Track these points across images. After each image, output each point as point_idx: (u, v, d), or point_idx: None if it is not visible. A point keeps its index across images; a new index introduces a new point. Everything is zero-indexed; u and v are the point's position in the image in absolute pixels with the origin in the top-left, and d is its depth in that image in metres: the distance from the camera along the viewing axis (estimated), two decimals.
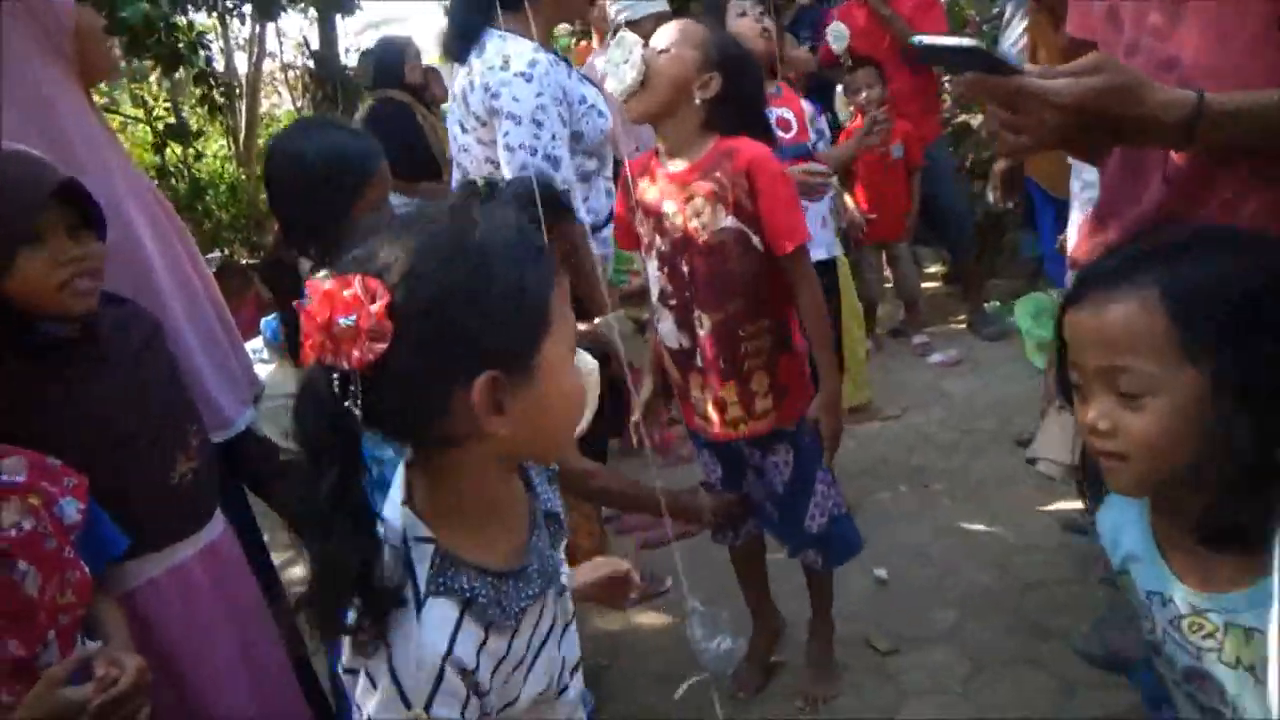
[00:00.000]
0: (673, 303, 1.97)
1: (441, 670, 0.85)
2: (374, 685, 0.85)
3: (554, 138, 2.12)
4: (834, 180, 3.18)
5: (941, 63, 1.16)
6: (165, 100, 7.99)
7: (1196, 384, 0.94)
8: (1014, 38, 3.36)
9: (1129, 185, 1.21)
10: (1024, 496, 2.99)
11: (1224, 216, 1.09)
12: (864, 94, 4.26)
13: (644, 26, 3.64)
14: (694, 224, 1.88)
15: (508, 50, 2.14)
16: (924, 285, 5.32)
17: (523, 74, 2.10)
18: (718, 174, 1.86)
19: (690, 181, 1.89)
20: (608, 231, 2.37)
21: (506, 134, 2.12)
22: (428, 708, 0.84)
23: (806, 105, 3.32)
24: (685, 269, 1.92)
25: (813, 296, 1.94)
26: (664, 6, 3.78)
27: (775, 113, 2.87)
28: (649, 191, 1.96)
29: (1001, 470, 3.20)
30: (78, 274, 1.33)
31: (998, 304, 4.74)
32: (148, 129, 6.48)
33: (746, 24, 2.85)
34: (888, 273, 4.73)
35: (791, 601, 2.42)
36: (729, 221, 1.86)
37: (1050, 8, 1.63)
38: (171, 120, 6.45)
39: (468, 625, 0.87)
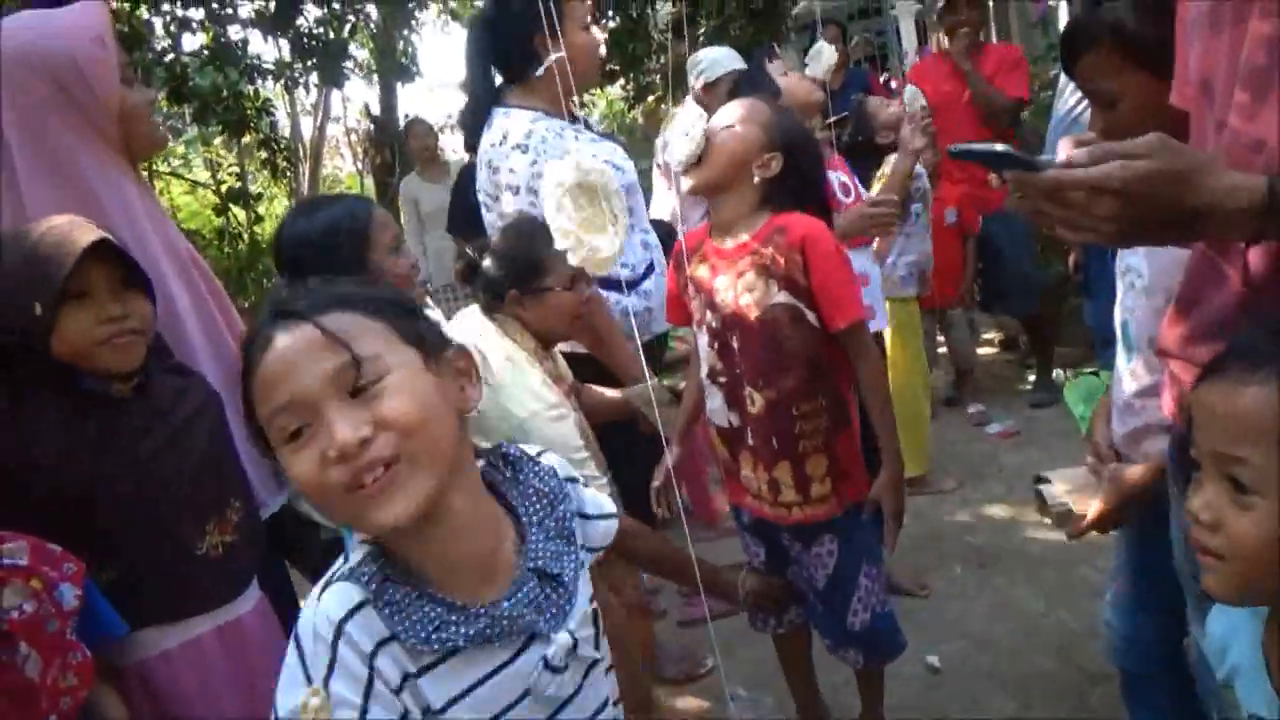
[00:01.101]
0: (722, 380, 1.92)
1: (335, 641, 0.87)
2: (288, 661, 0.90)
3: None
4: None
5: (983, 165, 1.08)
6: (233, 163, 8.25)
7: None
8: (1069, 104, 3.28)
9: (1211, 271, 1.13)
10: (1085, 579, 2.83)
11: None
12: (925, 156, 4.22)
13: (721, 87, 3.66)
14: (746, 300, 1.85)
15: (508, 125, 2.23)
16: (981, 352, 5.20)
17: (519, 145, 2.18)
18: (770, 249, 1.83)
19: (742, 257, 1.86)
20: (648, 284, 2.37)
21: (505, 206, 2.21)
22: (326, 683, 0.86)
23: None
24: (736, 345, 1.88)
25: (872, 372, 1.89)
26: (741, 66, 3.77)
27: (836, 177, 2.84)
28: (701, 268, 1.95)
29: (1061, 550, 3.04)
30: (119, 332, 1.36)
31: (1059, 373, 4.59)
32: (211, 194, 6.70)
33: (796, 81, 2.83)
34: (941, 339, 4.63)
35: (842, 693, 2.30)
36: (782, 297, 1.82)
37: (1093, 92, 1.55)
38: (235, 184, 6.64)
39: (370, 617, 0.89)
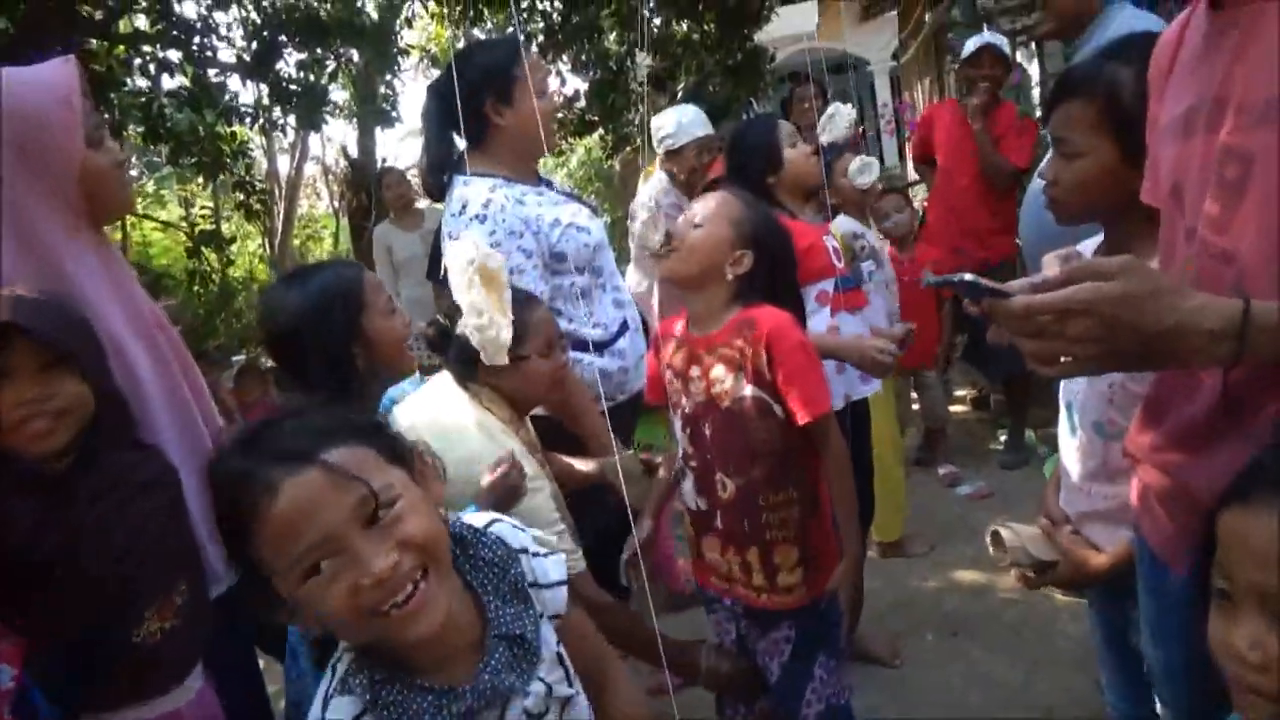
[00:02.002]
0: (694, 464, 1.95)
1: None
2: None
3: (513, 273, 2.13)
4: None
5: (955, 292, 1.08)
6: (206, 203, 8.19)
7: None
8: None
9: (1183, 377, 1.12)
10: (1060, 649, 2.81)
11: None
12: (892, 220, 4.26)
13: (686, 153, 3.65)
14: (716, 389, 1.88)
15: (467, 194, 2.21)
16: (952, 409, 5.21)
17: (477, 216, 2.17)
18: (738, 342, 1.85)
19: (712, 348, 1.89)
20: (622, 343, 2.35)
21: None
22: None
23: (847, 224, 3.31)
24: (707, 432, 1.91)
25: (837, 464, 1.89)
26: (708, 130, 3.75)
27: (831, 244, 2.85)
28: (677, 354, 1.98)
29: (1036, 618, 3.03)
30: (32, 415, 1.31)
31: (1030, 434, 4.61)
32: (182, 235, 6.64)
33: (798, 155, 2.84)
34: (914, 397, 4.63)
35: None
36: (748, 390, 1.84)
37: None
38: (208, 226, 6.58)
39: None
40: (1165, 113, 1.15)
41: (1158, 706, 1.39)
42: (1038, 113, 5.72)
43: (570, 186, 11.22)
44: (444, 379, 1.96)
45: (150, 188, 10.67)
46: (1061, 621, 2.99)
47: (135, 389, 1.50)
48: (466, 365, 1.92)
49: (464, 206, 2.21)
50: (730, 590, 1.95)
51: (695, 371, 1.91)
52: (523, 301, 1.83)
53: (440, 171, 2.34)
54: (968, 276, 1.01)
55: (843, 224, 3.41)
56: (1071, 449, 1.60)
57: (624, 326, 2.37)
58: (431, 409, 1.85)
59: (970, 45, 4.29)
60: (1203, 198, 1.05)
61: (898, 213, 4.26)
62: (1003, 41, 4.22)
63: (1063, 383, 1.65)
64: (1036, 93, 7.50)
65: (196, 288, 6.16)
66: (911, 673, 2.79)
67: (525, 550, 1.16)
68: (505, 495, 1.69)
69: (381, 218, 5.76)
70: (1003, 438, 4.62)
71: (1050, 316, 0.93)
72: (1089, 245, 1.59)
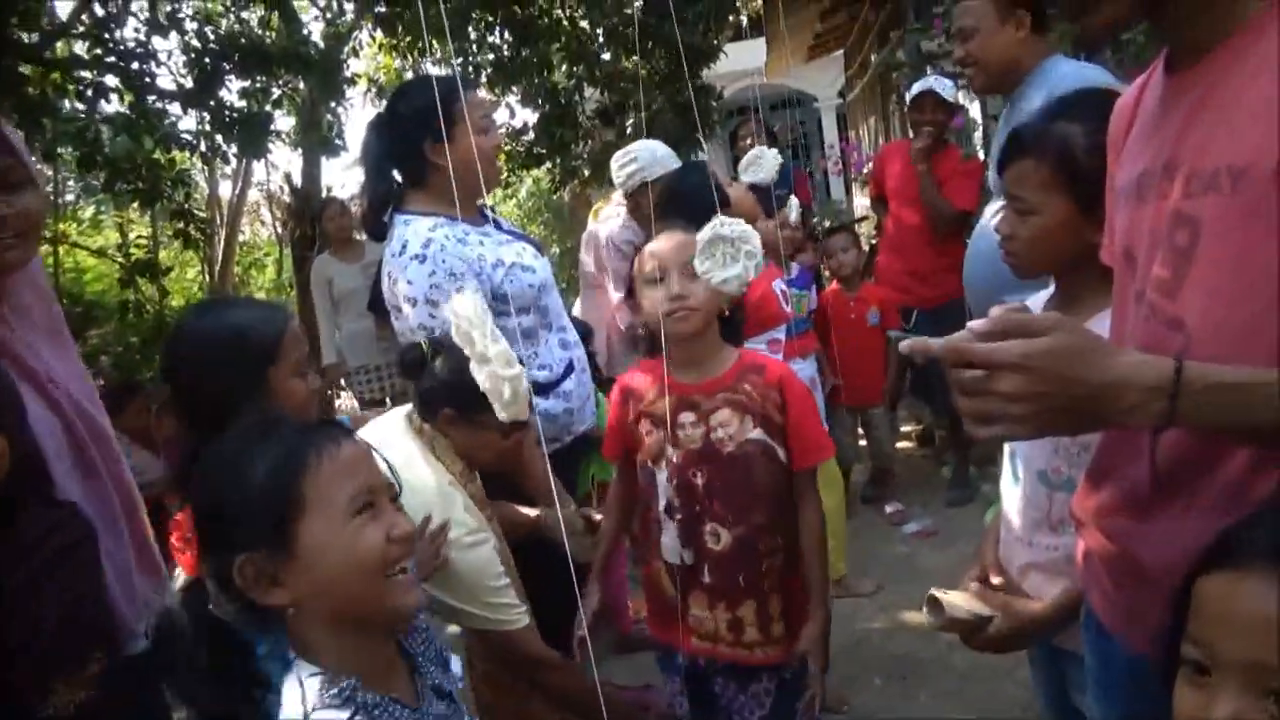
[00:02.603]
0: (679, 516, 1.89)
1: None
2: None
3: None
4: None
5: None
6: (142, 232, 7.98)
7: None
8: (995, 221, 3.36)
9: (1125, 442, 1.12)
10: (1008, 695, 2.81)
11: (1229, 495, 0.98)
12: (838, 258, 4.29)
13: (658, 189, 3.59)
14: (718, 435, 1.85)
15: (407, 234, 2.19)
16: (899, 446, 5.24)
17: (417, 256, 2.14)
18: (746, 387, 1.85)
19: (715, 393, 1.86)
20: (567, 384, 2.31)
21: (407, 317, 2.16)
22: None
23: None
24: (701, 482, 1.86)
25: (819, 514, 1.90)
26: (676, 163, 3.65)
27: (779, 288, 2.87)
28: (658, 403, 1.91)
29: (985, 662, 3.01)
30: None
31: (974, 471, 4.65)
32: (114, 265, 6.45)
33: (743, 193, 2.84)
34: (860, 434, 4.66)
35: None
36: (756, 434, 1.83)
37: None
38: (143, 255, 6.39)
39: None
40: (1121, 175, 1.15)
41: None
42: (981, 155, 5.84)
43: (519, 218, 11.16)
44: (396, 422, 1.90)
45: (87, 213, 10.37)
46: (1009, 665, 2.98)
47: (43, 447, 1.41)
48: (430, 407, 1.86)
49: (404, 246, 2.17)
50: (713, 650, 1.90)
51: (689, 418, 1.87)
52: None
53: (380, 210, 2.30)
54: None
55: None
56: (1014, 498, 1.59)
57: (570, 367, 2.34)
58: (383, 450, 1.79)
59: (914, 89, 4.36)
60: (1152, 262, 1.05)
61: (844, 251, 4.29)
62: (947, 85, 4.27)
63: None
64: (979, 135, 7.67)
65: (130, 317, 5.97)
66: None
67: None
68: (425, 562, 1.65)
69: (325, 248, 5.65)
70: (948, 474, 4.66)
71: (981, 373, 0.92)
72: (1040, 298, 1.59)
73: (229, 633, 1.08)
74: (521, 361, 1.76)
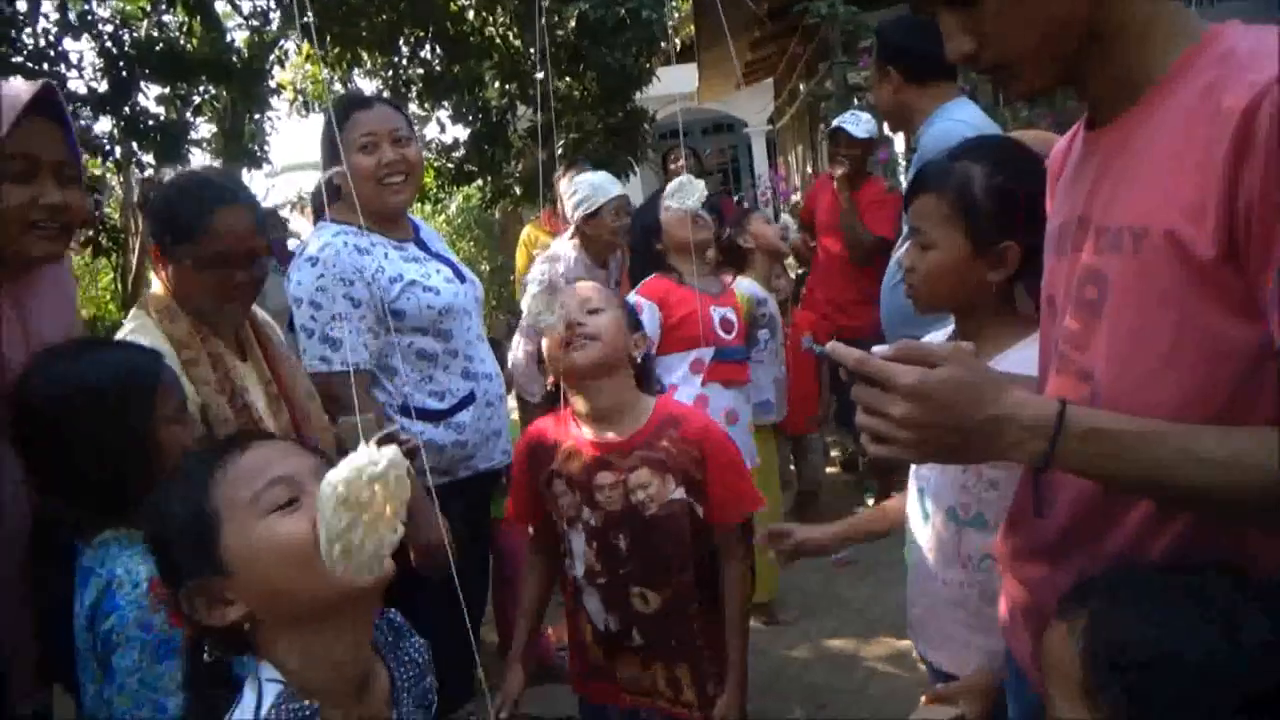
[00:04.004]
0: (601, 581, 1.79)
1: None
2: None
3: (334, 318, 2.12)
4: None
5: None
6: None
7: None
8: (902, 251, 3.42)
9: (1033, 494, 1.13)
10: None
11: (1130, 546, 0.99)
12: (773, 284, 4.32)
13: (604, 215, 3.59)
14: (639, 496, 1.74)
15: (312, 238, 2.25)
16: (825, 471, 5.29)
17: (311, 259, 2.16)
18: (664, 443, 1.75)
19: (631, 451, 1.75)
20: (463, 416, 2.26)
21: (295, 317, 2.16)
22: None
23: (749, 288, 3.33)
24: (622, 544, 1.75)
25: (742, 573, 1.83)
26: (619, 190, 3.70)
27: (719, 313, 2.83)
28: (572, 462, 1.79)
29: (901, 692, 3.04)
30: None
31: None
32: None
33: (669, 217, 2.83)
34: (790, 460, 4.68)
35: None
36: (679, 494, 1.74)
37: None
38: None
39: None
40: (1050, 223, 1.17)
41: None
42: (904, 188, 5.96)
43: (449, 234, 11.00)
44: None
45: None
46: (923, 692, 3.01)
47: None
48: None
49: (304, 248, 2.22)
50: (652, 703, 1.81)
51: (606, 479, 1.75)
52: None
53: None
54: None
55: (745, 287, 3.42)
56: (925, 535, 1.59)
57: (469, 399, 2.29)
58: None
59: (834, 124, 4.47)
60: (1066, 313, 1.07)
61: (777, 279, 4.32)
62: (862, 119, 4.37)
63: (913, 467, 1.65)
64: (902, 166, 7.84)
65: None
66: None
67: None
68: None
69: None
70: (870, 501, 4.71)
71: (877, 392, 0.95)
72: (942, 335, 1.61)
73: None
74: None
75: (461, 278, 2.37)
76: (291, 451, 1.07)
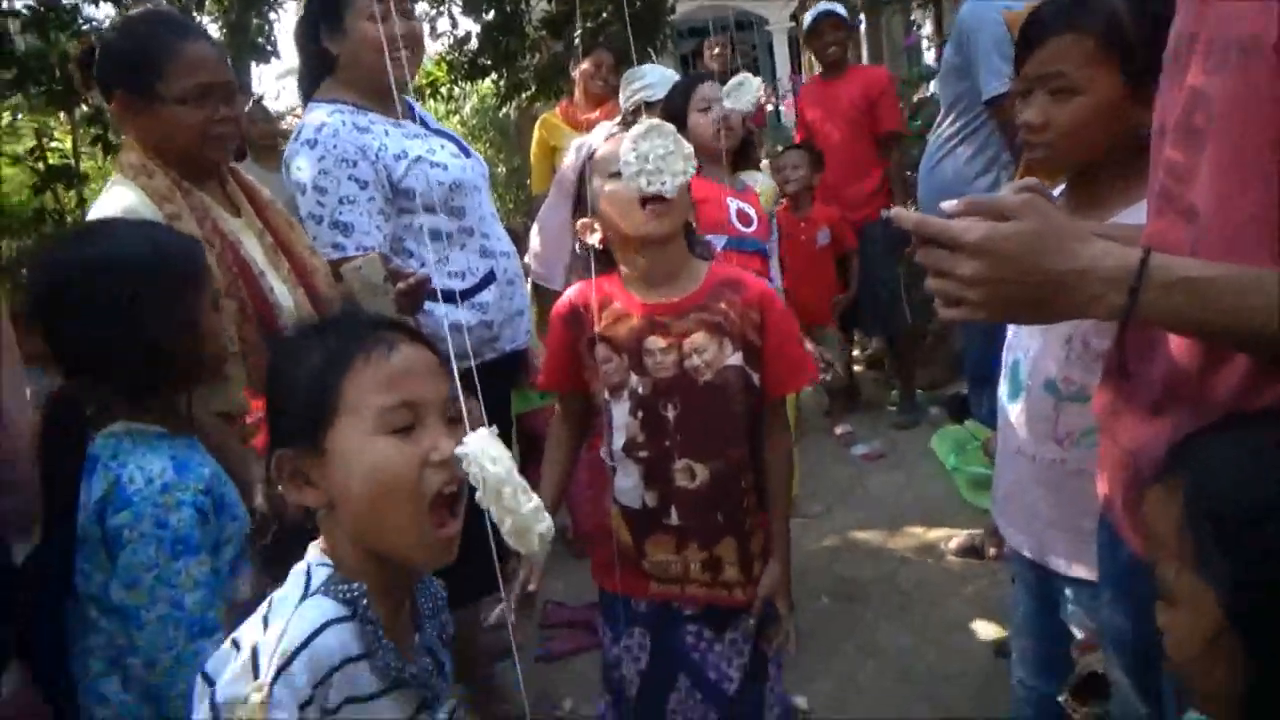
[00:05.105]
0: (644, 454, 1.68)
1: (297, 650, 0.90)
2: (237, 651, 0.92)
3: (342, 202, 2.00)
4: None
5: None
6: (61, 136, 7.51)
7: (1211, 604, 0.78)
8: (945, 134, 3.28)
9: (1139, 338, 1.02)
10: (954, 614, 2.80)
11: (1231, 402, 0.90)
12: (790, 175, 4.17)
13: (655, 110, 3.46)
14: (693, 362, 1.65)
15: (305, 120, 2.08)
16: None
17: (308, 141, 2.02)
18: (722, 305, 1.65)
19: (686, 314, 1.66)
20: (485, 296, 2.17)
21: (299, 206, 2.03)
22: (272, 684, 0.88)
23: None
24: (671, 414, 1.66)
25: (788, 445, 1.76)
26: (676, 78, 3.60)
27: (736, 205, 2.71)
28: (618, 326, 1.69)
29: (930, 581, 3.01)
30: None
31: (922, 394, 4.63)
32: (29, 170, 6.05)
33: (701, 121, 2.70)
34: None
35: None
36: (735, 359, 1.65)
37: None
38: (58, 161, 6.00)
39: (344, 633, 0.93)
40: (1169, 47, 1.03)
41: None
42: (932, 81, 5.75)
43: (464, 134, 10.79)
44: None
45: (4, 119, 9.77)
46: (953, 584, 2.98)
47: None
48: (108, 100, 1.70)
49: (300, 132, 2.05)
50: (682, 594, 1.72)
51: (657, 343, 1.65)
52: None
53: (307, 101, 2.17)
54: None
55: (764, 181, 3.33)
56: (1015, 411, 1.50)
57: (490, 277, 2.19)
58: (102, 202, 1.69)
59: (808, 18, 4.43)
60: (1162, 142, 0.95)
61: (794, 169, 4.17)
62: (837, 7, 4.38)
63: (1009, 338, 1.56)
64: (931, 55, 7.53)
65: (46, 226, 5.62)
66: (805, 641, 2.73)
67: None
68: None
69: (258, 157, 5.35)
70: (893, 407, 4.64)
71: (945, 253, 0.89)
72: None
73: None
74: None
75: (466, 153, 2.25)
76: (431, 372, 1.00)
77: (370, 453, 0.95)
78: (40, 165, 5.88)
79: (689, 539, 1.69)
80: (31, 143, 7.68)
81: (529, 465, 3.07)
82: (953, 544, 3.18)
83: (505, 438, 2.15)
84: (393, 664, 0.96)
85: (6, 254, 6.12)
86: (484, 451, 0.88)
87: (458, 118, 11.03)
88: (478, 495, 0.87)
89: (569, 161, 3.44)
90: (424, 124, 2.21)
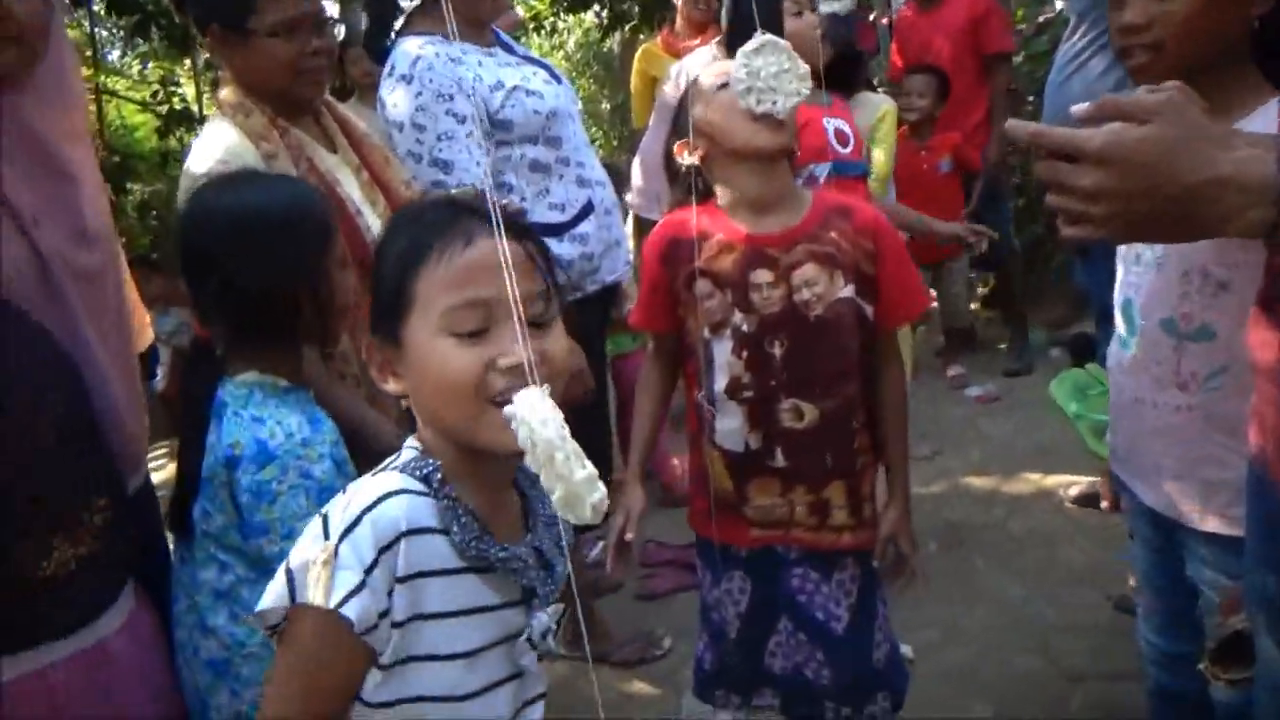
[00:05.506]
0: (748, 395, 1.61)
1: (361, 515, 0.90)
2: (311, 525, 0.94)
3: (441, 138, 1.95)
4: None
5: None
6: (190, 79, 7.78)
7: None
8: (1077, 47, 3.03)
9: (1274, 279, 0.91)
10: (1069, 564, 2.68)
11: None
12: (916, 103, 3.96)
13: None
14: (803, 296, 1.56)
15: (396, 55, 2.02)
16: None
17: (403, 76, 1.97)
18: (832, 234, 1.56)
19: (794, 244, 1.56)
20: (585, 227, 2.12)
21: (396, 144, 1.99)
22: (339, 543, 0.89)
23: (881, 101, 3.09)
24: (778, 352, 1.58)
25: (903, 379, 1.68)
26: None
27: (833, 124, 2.57)
28: (721, 257, 1.59)
29: (1043, 530, 2.89)
30: None
31: (1041, 334, 4.41)
32: (155, 115, 6.29)
33: (802, 25, 2.53)
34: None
35: None
36: (847, 291, 1.56)
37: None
38: (178, 105, 6.21)
39: (411, 502, 0.92)
40: None
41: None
42: None
43: (567, 70, 10.67)
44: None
45: (134, 69, 10.17)
46: (1068, 533, 2.85)
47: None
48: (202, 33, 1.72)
49: (393, 68, 2.00)
50: (786, 536, 1.65)
51: (763, 276, 1.56)
52: None
53: (380, 33, 2.13)
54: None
55: (878, 101, 3.14)
56: (1129, 357, 1.38)
57: (588, 208, 2.14)
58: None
59: None
60: None
61: (920, 96, 3.95)
62: None
63: (1120, 275, 1.43)
64: None
65: (170, 168, 5.86)
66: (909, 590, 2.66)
67: None
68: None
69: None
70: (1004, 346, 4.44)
71: (1067, 165, 0.80)
72: None
73: None
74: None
75: (558, 79, 2.19)
76: (515, 269, 0.88)
77: (434, 354, 0.93)
78: (167, 109, 6.09)
79: (795, 482, 1.63)
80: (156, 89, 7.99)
81: (624, 416, 3.08)
82: (1072, 491, 3.03)
83: (599, 375, 2.09)
84: (475, 543, 0.94)
85: (137, 198, 6.40)
86: (534, 411, 0.81)
87: (561, 53, 10.95)
88: (527, 459, 0.82)
89: (669, 87, 3.35)
90: (511, 51, 2.17)
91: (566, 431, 0.80)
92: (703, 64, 3.34)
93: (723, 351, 1.61)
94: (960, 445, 3.55)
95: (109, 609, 1.25)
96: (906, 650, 2.35)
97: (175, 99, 6.36)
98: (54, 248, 1.33)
